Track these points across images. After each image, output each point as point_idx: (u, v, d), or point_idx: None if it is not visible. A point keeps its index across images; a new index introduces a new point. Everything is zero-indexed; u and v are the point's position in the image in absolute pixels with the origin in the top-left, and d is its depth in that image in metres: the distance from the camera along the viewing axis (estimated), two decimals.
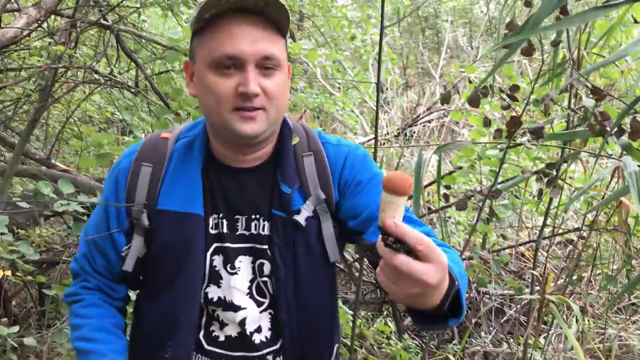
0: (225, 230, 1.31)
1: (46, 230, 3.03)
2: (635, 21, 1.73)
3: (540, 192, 2.51)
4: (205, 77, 1.21)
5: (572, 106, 2.37)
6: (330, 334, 1.42)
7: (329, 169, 1.33)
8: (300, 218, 1.28)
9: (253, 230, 1.31)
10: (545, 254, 3.35)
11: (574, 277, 3.05)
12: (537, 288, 2.93)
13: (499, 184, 2.62)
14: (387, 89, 7.48)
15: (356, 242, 1.44)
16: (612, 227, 2.81)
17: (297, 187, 1.30)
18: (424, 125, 6.45)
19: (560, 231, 3.37)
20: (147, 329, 1.37)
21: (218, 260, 1.31)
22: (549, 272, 2.80)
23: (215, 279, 1.30)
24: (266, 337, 1.32)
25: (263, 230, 1.31)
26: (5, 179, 3.14)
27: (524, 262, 3.97)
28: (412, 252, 0.84)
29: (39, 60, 2.88)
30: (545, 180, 2.28)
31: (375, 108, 2.76)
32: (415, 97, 7.95)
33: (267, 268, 1.31)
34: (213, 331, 1.33)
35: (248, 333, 1.30)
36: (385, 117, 6.86)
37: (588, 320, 3.36)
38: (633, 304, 3.73)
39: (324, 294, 1.37)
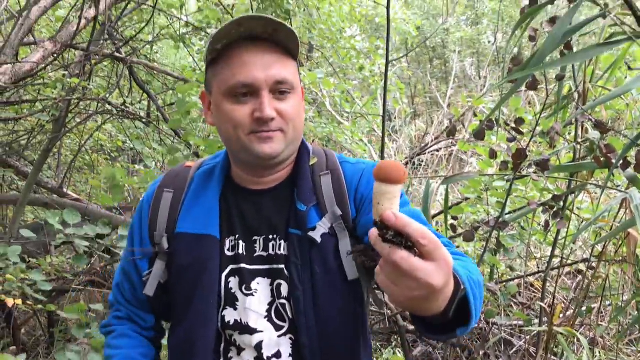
0: (241, 252, 1.31)
1: (56, 259, 3.06)
2: (629, 68, 1.75)
3: (547, 224, 2.52)
4: (221, 106, 1.25)
5: (579, 138, 2.39)
6: (356, 357, 1.35)
7: (345, 186, 1.33)
8: (316, 234, 1.27)
9: (271, 251, 1.31)
10: (555, 284, 3.34)
11: (584, 308, 3.03)
12: (546, 319, 2.91)
13: (507, 214, 2.63)
14: (395, 118, 7.54)
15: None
16: (620, 259, 2.80)
17: (313, 205, 1.31)
18: (432, 154, 6.48)
19: (569, 262, 3.36)
20: (171, 355, 1.38)
21: (234, 282, 1.31)
22: (557, 304, 2.78)
23: (232, 301, 1.30)
24: None
25: (280, 249, 1.30)
26: (18, 208, 3.19)
27: (534, 292, 3.94)
28: (413, 248, 0.78)
29: (53, 92, 2.95)
30: (552, 212, 2.29)
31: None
32: (424, 126, 8.00)
33: (284, 289, 1.29)
34: (231, 357, 1.31)
35: (265, 358, 1.28)
36: (394, 146, 6.90)
37: (599, 352, 3.32)
38: None
39: (345, 313, 1.31)
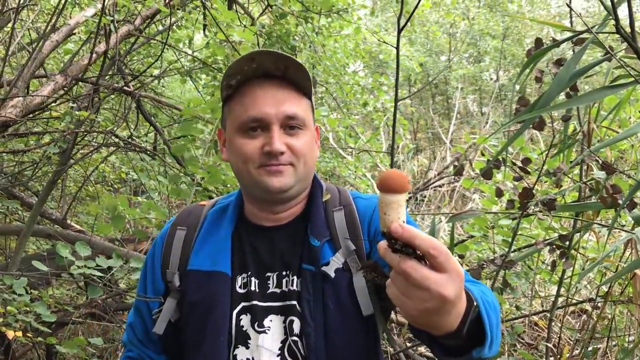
0: (253, 289, 1.30)
1: (57, 290, 3.04)
2: None
3: (554, 264, 2.51)
4: (233, 141, 1.27)
5: (584, 178, 2.40)
6: None
7: (358, 221, 1.33)
8: (329, 269, 1.26)
9: (284, 287, 1.29)
10: (560, 323, 3.30)
11: (590, 349, 2.99)
12: None
13: (512, 252, 2.62)
14: (398, 153, 7.57)
15: None
16: (626, 299, 2.77)
17: (326, 240, 1.30)
18: (435, 190, 6.49)
19: (574, 301, 3.33)
20: None
21: (245, 320, 1.28)
22: (564, 344, 2.75)
23: (244, 339, 1.27)
24: None
25: (292, 285, 1.29)
26: (21, 239, 3.18)
27: (538, 331, 3.90)
28: (424, 259, 0.78)
29: (60, 124, 2.98)
30: (558, 252, 2.28)
31: None
32: (426, 161, 8.03)
33: (297, 326, 1.26)
34: None
35: None
36: None
37: None
38: None
39: (358, 350, 1.27)
